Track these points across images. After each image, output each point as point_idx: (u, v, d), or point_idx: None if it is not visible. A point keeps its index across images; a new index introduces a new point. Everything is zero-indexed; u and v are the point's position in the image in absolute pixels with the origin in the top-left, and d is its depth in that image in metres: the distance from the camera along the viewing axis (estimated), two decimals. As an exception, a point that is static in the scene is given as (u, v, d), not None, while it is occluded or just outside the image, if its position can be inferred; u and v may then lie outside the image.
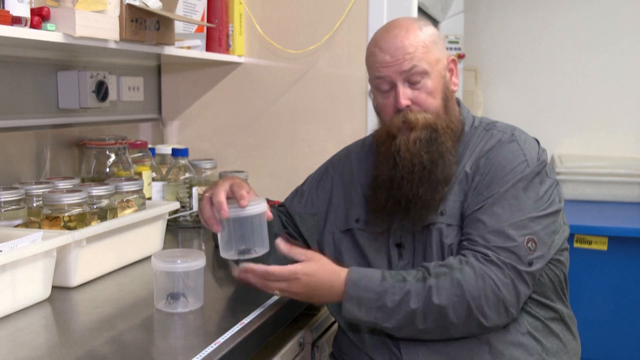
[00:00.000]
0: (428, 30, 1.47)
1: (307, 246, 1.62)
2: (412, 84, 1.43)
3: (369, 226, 1.50)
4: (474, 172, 1.43)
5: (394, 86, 1.44)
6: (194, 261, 1.34)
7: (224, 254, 1.40)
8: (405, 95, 1.43)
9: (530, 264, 1.34)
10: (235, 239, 1.38)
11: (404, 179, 1.43)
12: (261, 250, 1.39)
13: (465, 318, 1.31)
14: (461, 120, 1.50)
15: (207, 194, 1.40)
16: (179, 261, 1.33)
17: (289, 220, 1.65)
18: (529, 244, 1.34)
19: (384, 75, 1.44)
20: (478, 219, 1.37)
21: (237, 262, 1.52)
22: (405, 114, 1.43)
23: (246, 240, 1.38)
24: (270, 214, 1.41)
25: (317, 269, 1.35)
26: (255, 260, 1.43)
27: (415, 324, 1.33)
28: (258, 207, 1.37)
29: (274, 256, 1.56)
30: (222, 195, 1.36)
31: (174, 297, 1.33)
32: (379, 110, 1.51)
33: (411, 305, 1.31)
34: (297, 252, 1.37)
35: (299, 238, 1.63)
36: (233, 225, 1.37)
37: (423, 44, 1.43)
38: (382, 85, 1.46)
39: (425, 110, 1.43)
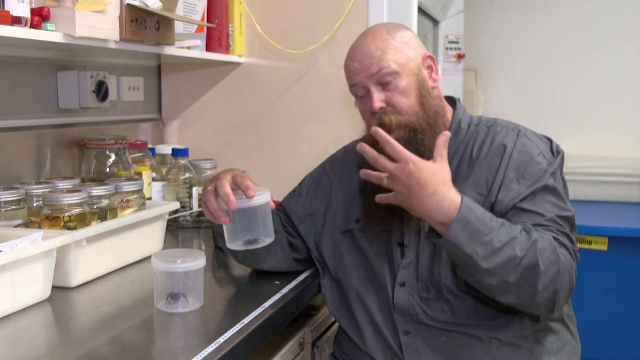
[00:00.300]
0: (398, 33, 1.49)
1: (306, 246, 1.62)
2: (384, 85, 1.45)
3: (369, 226, 1.50)
4: (487, 172, 1.42)
5: (368, 91, 1.46)
6: (194, 261, 1.34)
7: (231, 244, 1.41)
8: (378, 98, 1.45)
9: (576, 251, 1.37)
10: (242, 229, 1.39)
11: None
12: (267, 239, 1.41)
13: (546, 286, 1.29)
14: (443, 115, 1.49)
15: (209, 187, 1.40)
16: (179, 261, 1.33)
17: (287, 220, 1.65)
18: (572, 235, 1.38)
19: (356, 82, 1.47)
20: (527, 209, 1.37)
21: (234, 253, 1.52)
22: (379, 116, 1.45)
23: (252, 230, 1.39)
24: (273, 204, 1.42)
25: (431, 170, 1.27)
26: (256, 251, 1.44)
27: (508, 274, 1.27)
28: (263, 197, 1.39)
29: (273, 251, 1.56)
30: (227, 187, 1.36)
31: (174, 297, 1.33)
32: (362, 115, 1.53)
33: (517, 251, 1.26)
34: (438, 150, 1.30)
35: (297, 237, 1.63)
36: (239, 215, 1.38)
37: (390, 45, 1.45)
38: (357, 92, 1.49)
39: (399, 110, 1.44)
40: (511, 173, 1.41)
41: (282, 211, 1.67)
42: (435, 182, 1.26)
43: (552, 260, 1.28)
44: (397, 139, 1.41)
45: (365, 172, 1.32)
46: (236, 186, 1.38)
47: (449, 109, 1.53)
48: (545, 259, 1.28)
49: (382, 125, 1.43)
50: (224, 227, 1.40)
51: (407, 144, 1.42)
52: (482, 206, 1.37)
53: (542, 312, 1.37)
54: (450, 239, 1.27)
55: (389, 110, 1.45)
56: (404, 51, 1.47)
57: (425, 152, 1.42)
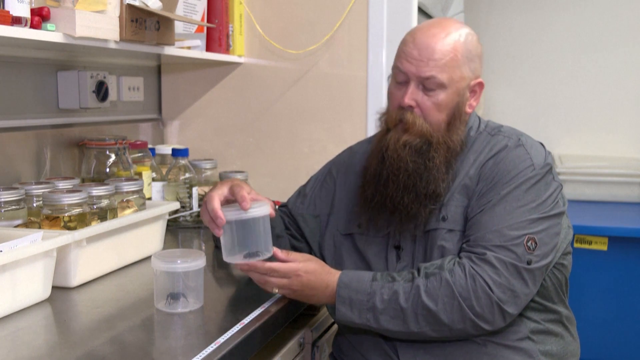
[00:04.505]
0: (471, 44, 1.43)
1: (310, 248, 1.62)
2: (425, 88, 1.41)
3: (370, 230, 1.50)
4: (478, 177, 1.42)
5: (408, 82, 1.43)
6: (194, 261, 1.34)
7: (227, 257, 1.37)
8: (412, 95, 1.41)
9: (529, 262, 1.33)
10: (238, 242, 1.35)
11: (390, 180, 1.43)
12: (266, 253, 1.36)
13: (458, 319, 1.31)
14: (462, 141, 1.46)
15: (205, 199, 1.39)
16: (179, 261, 1.32)
17: (291, 222, 1.65)
18: (529, 243, 1.34)
19: (403, 70, 1.42)
20: (478, 220, 1.37)
21: None
22: (404, 112, 1.42)
23: (249, 244, 1.35)
24: (273, 212, 1.39)
25: (316, 268, 1.38)
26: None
27: (408, 325, 1.33)
28: (261, 210, 1.34)
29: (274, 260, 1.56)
30: (215, 202, 1.33)
31: (174, 297, 1.33)
32: (389, 95, 1.50)
33: (401, 303, 1.32)
34: (295, 255, 1.39)
35: (301, 240, 1.63)
36: (235, 228, 1.34)
37: (454, 55, 1.40)
38: (398, 75, 1.45)
39: (425, 118, 1.42)
40: (490, 183, 1.40)
41: (286, 213, 1.67)
42: (323, 280, 1.38)
43: (447, 294, 1.31)
44: (409, 143, 1.41)
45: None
46: (233, 196, 1.36)
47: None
48: (439, 296, 1.31)
49: (401, 121, 1.42)
50: (221, 239, 1.37)
51: (417, 154, 1.41)
52: (464, 211, 1.39)
53: (484, 332, 1.35)
54: (341, 319, 1.38)
55: (416, 111, 1.42)
56: (463, 68, 1.42)
57: (433, 169, 1.41)
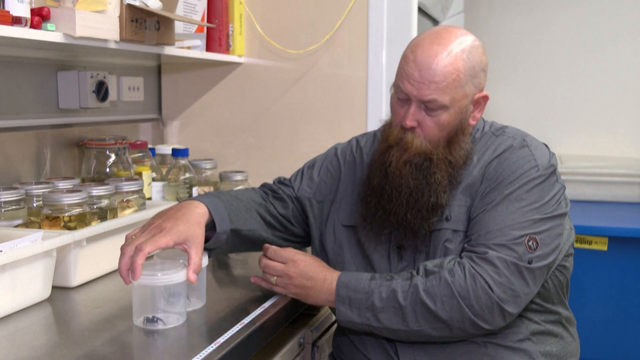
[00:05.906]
0: (475, 59, 1.39)
1: (305, 236, 1.62)
2: (427, 109, 1.39)
3: (374, 227, 1.49)
4: (482, 177, 1.41)
5: (409, 102, 1.40)
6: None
7: (134, 319, 1.29)
8: (413, 117, 1.39)
9: (530, 261, 1.33)
10: (143, 305, 1.27)
11: (393, 195, 1.42)
12: (177, 320, 1.28)
13: (457, 319, 1.31)
14: (467, 152, 1.44)
15: (125, 249, 1.27)
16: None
17: (296, 207, 1.61)
18: (530, 243, 1.34)
19: (404, 90, 1.40)
20: (480, 219, 1.37)
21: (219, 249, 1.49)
22: (405, 132, 1.41)
23: (150, 309, 1.27)
24: (192, 279, 1.26)
25: (314, 260, 1.42)
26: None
27: (408, 323, 1.33)
28: (171, 277, 1.25)
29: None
30: (124, 261, 1.24)
31: (174, 296, 1.32)
32: (391, 109, 1.48)
33: (399, 300, 1.32)
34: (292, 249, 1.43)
35: (296, 226, 1.60)
36: (140, 291, 1.27)
37: (456, 76, 1.36)
38: (399, 93, 1.42)
39: (425, 136, 1.41)
40: (494, 182, 1.40)
41: (291, 196, 1.62)
42: (321, 271, 1.40)
43: (445, 294, 1.31)
44: (409, 161, 1.41)
45: (255, 278, 1.47)
46: (182, 249, 1.30)
47: None
48: (437, 295, 1.31)
49: (402, 140, 1.41)
50: (132, 297, 1.29)
51: (418, 171, 1.41)
52: (467, 210, 1.39)
53: (484, 332, 1.35)
54: (342, 319, 1.38)
55: (417, 131, 1.41)
56: (466, 86, 1.38)
57: (434, 184, 1.40)
